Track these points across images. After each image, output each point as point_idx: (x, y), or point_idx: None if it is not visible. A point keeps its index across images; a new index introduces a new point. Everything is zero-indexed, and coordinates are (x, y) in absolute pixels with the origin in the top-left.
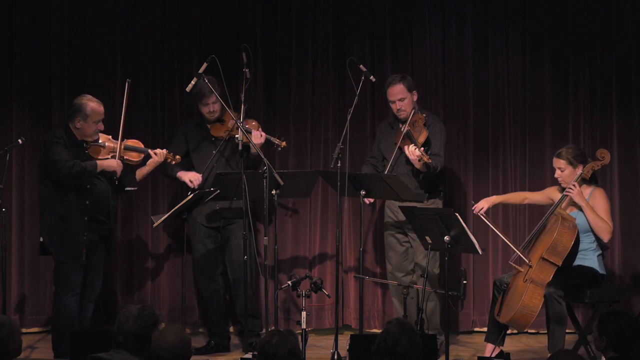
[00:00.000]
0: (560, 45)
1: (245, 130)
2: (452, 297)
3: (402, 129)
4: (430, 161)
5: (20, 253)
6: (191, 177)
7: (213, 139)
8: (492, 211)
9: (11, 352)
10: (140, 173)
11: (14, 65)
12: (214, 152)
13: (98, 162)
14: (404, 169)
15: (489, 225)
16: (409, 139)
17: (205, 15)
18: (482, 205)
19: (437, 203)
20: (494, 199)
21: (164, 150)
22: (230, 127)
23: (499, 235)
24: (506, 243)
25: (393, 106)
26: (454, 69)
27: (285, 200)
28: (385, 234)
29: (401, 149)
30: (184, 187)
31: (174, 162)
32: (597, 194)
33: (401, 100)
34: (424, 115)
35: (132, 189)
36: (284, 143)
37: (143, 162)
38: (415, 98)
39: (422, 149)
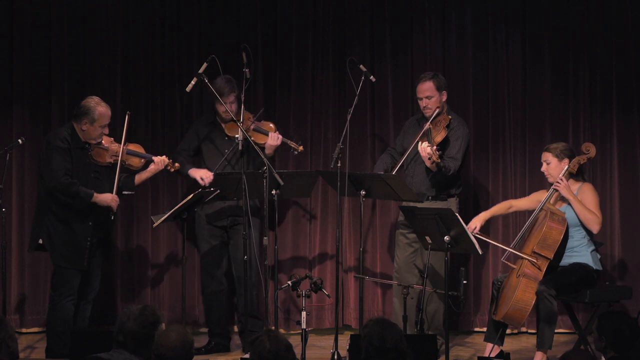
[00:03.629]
0: (560, 46)
1: (262, 132)
2: (452, 297)
3: (424, 127)
4: (439, 160)
5: (20, 253)
6: (202, 175)
7: (227, 138)
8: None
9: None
10: (140, 178)
11: (14, 66)
12: (226, 151)
13: (95, 194)
14: (421, 168)
15: (487, 241)
16: (427, 137)
17: (205, 15)
18: (474, 224)
19: (449, 204)
20: (483, 216)
21: (164, 158)
22: (245, 128)
23: (500, 246)
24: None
25: (420, 103)
26: (454, 69)
27: (286, 200)
28: (396, 233)
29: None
30: (187, 185)
31: (172, 170)
32: (585, 188)
33: (428, 98)
34: (450, 117)
35: (130, 193)
36: (301, 147)
37: (144, 167)
38: (444, 98)
39: (435, 148)
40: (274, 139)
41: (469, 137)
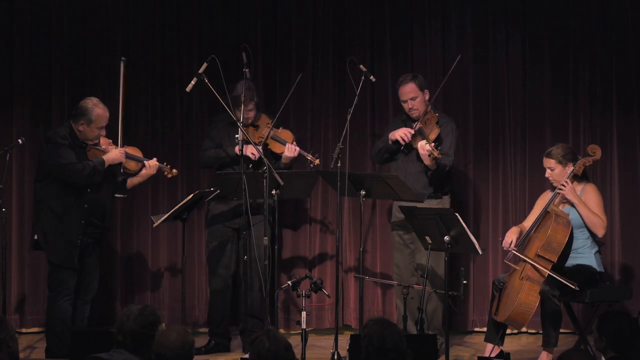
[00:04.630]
0: (560, 46)
1: (279, 141)
2: (452, 297)
3: (414, 127)
4: (440, 156)
5: (20, 253)
6: (253, 151)
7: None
8: (492, 215)
9: None
10: (132, 182)
11: (14, 66)
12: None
13: (104, 158)
14: (414, 167)
15: (519, 256)
16: (421, 135)
17: (205, 15)
18: (511, 239)
19: (444, 202)
20: (516, 230)
21: (156, 163)
22: (264, 135)
23: (532, 264)
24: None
25: (405, 105)
26: (454, 69)
27: (286, 200)
28: (392, 234)
29: (412, 147)
30: (187, 186)
31: (170, 175)
32: (588, 189)
33: (413, 99)
34: (437, 114)
35: (121, 196)
36: (317, 160)
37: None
38: (427, 97)
39: (433, 144)
40: (290, 150)
41: (457, 132)
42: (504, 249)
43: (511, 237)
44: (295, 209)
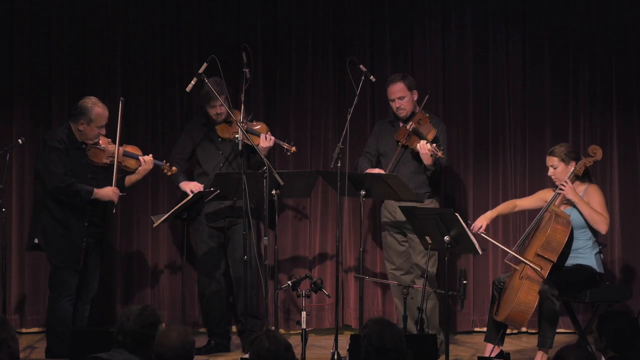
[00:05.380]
0: (560, 46)
1: (253, 134)
2: (452, 297)
3: (407, 127)
4: (444, 156)
5: (20, 253)
6: (192, 188)
7: (220, 139)
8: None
9: None
10: (129, 180)
11: (14, 66)
12: (220, 152)
13: (95, 190)
14: (407, 168)
15: (490, 241)
16: (417, 135)
17: (205, 15)
18: (481, 223)
19: (434, 202)
20: (489, 215)
21: (151, 158)
22: (237, 129)
23: (503, 248)
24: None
25: (393, 104)
26: (454, 69)
27: (286, 200)
28: (383, 234)
29: (405, 147)
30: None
31: (169, 173)
32: (591, 190)
33: (401, 98)
34: (428, 115)
35: (121, 194)
36: (293, 148)
37: None
38: (415, 97)
39: (434, 144)
40: (264, 141)
41: (446, 132)
42: (473, 232)
43: (482, 221)
44: (295, 209)
